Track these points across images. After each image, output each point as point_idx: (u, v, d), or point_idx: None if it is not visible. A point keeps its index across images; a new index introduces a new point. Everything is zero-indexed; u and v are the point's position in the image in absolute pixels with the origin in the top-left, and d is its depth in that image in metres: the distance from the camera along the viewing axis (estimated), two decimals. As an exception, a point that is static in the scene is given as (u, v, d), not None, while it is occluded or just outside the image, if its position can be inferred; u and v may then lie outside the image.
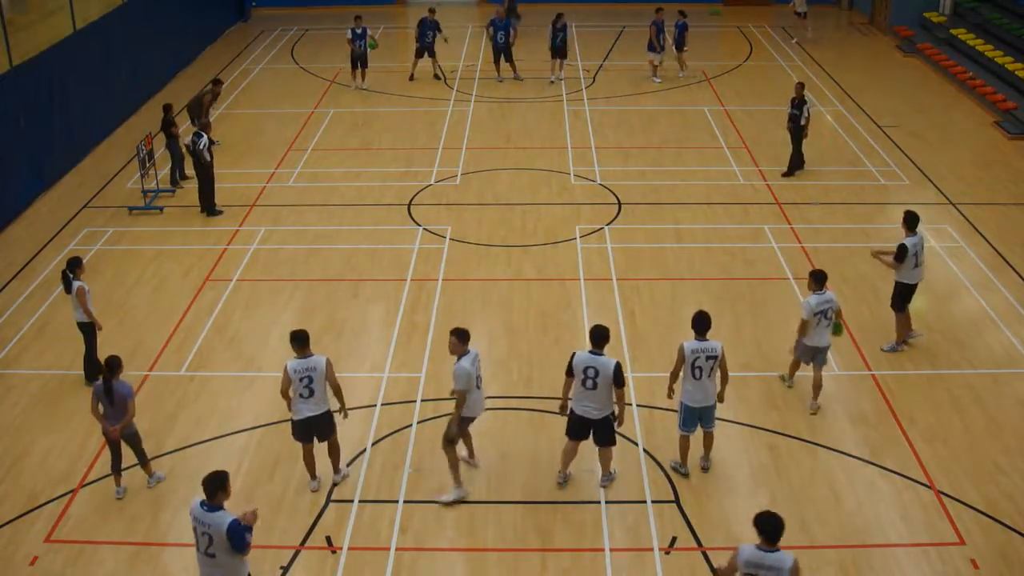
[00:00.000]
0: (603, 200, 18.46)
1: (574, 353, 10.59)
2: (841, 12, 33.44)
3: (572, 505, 10.89)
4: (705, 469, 11.30)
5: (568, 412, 10.85)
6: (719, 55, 28.22)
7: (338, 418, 11.06)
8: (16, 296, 15.44)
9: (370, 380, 13.14)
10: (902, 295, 13.61)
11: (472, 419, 10.86)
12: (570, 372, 10.57)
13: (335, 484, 11.22)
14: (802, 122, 18.81)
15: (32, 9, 19.59)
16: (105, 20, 22.50)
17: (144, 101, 24.24)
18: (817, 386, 12.27)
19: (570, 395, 10.77)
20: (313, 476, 11.16)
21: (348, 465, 11.48)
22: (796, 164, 19.30)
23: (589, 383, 10.44)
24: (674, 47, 25.41)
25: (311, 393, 10.65)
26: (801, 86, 19.24)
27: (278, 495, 11.10)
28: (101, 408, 10.74)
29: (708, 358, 10.68)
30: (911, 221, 13.48)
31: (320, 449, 11.14)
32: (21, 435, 12.21)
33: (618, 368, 10.43)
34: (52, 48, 19.92)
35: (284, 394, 10.75)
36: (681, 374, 10.86)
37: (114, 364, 10.73)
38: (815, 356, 12.21)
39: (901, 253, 13.32)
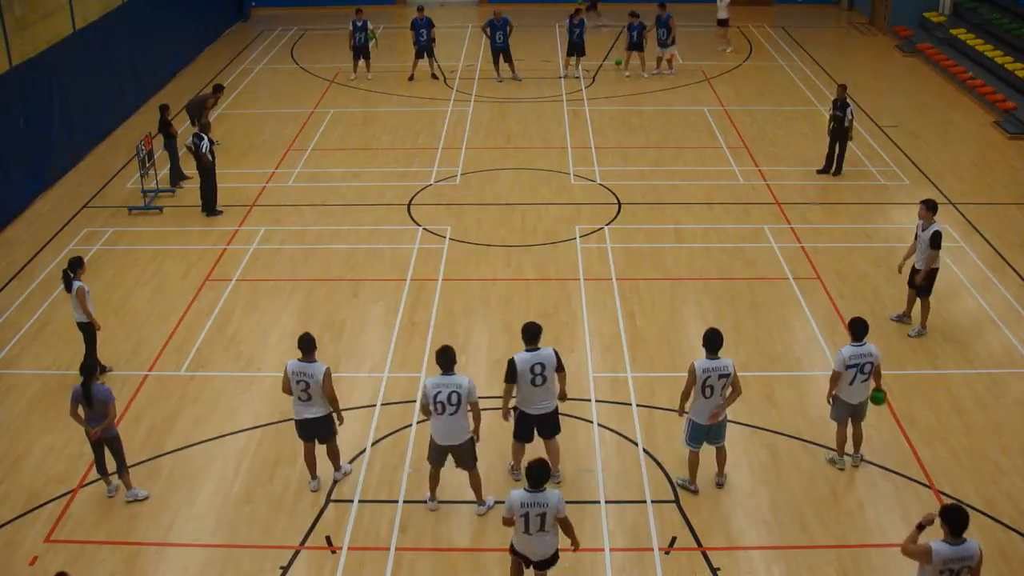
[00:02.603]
0: (603, 200, 18.46)
1: (512, 359, 10.56)
2: (841, 12, 33.44)
3: (572, 505, 10.83)
4: (720, 485, 11.11)
5: (516, 416, 10.86)
6: (719, 55, 28.20)
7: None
8: (16, 296, 15.43)
9: (370, 380, 13.14)
10: (932, 279, 13.89)
11: (438, 446, 10.54)
12: (512, 378, 10.56)
13: (336, 481, 11.21)
14: (846, 123, 18.82)
15: (32, 9, 19.58)
16: (105, 20, 22.51)
17: (144, 101, 24.24)
18: (858, 440, 11.39)
19: (512, 402, 10.85)
20: (313, 476, 11.16)
21: (350, 463, 11.48)
22: (840, 163, 19.33)
23: (539, 380, 10.55)
24: (628, 47, 25.75)
25: (308, 397, 10.66)
26: (843, 88, 19.22)
27: (278, 495, 11.10)
28: (81, 412, 10.75)
29: (720, 376, 10.55)
30: (934, 206, 13.80)
31: (321, 449, 11.14)
32: (21, 435, 12.21)
33: (557, 354, 10.67)
34: (52, 48, 19.92)
35: (285, 391, 10.82)
36: (692, 392, 10.76)
37: (91, 369, 10.76)
38: (854, 414, 11.23)
39: (938, 240, 13.59)
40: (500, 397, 10.96)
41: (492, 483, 11.17)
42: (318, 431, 10.90)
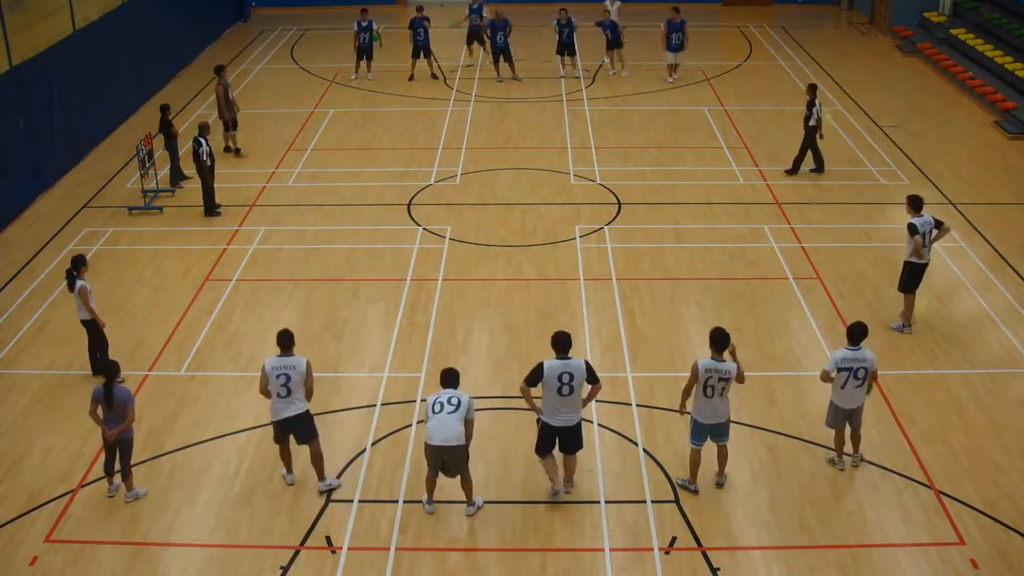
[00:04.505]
0: (603, 200, 18.46)
1: (541, 363, 10.47)
2: (841, 12, 33.43)
3: (572, 505, 10.89)
4: (720, 485, 11.11)
5: (539, 426, 10.74)
6: (719, 55, 28.22)
7: (326, 422, 10.96)
8: (16, 296, 15.43)
9: (370, 380, 13.14)
10: (911, 275, 13.94)
11: (433, 448, 10.36)
12: (532, 381, 10.45)
13: (322, 492, 11.07)
14: (810, 123, 18.89)
15: (32, 9, 19.58)
16: (105, 20, 22.50)
17: (144, 101, 24.24)
18: (856, 440, 11.38)
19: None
20: (289, 470, 11.14)
21: (339, 476, 11.29)
22: (799, 163, 19.40)
23: (566, 389, 10.42)
24: (613, 46, 25.69)
25: (288, 392, 10.62)
26: (811, 88, 19.29)
27: (278, 495, 11.10)
28: (100, 412, 10.75)
29: (721, 379, 10.54)
30: (915, 203, 13.98)
31: (302, 455, 11.06)
32: (21, 435, 12.21)
33: (589, 366, 10.56)
34: (52, 48, 19.92)
35: (263, 393, 10.74)
36: (693, 390, 10.72)
37: (112, 370, 10.77)
38: (850, 418, 11.19)
39: (911, 228, 13.80)
40: (502, 397, 10.94)
41: (492, 486, 11.17)
42: (298, 430, 10.82)
